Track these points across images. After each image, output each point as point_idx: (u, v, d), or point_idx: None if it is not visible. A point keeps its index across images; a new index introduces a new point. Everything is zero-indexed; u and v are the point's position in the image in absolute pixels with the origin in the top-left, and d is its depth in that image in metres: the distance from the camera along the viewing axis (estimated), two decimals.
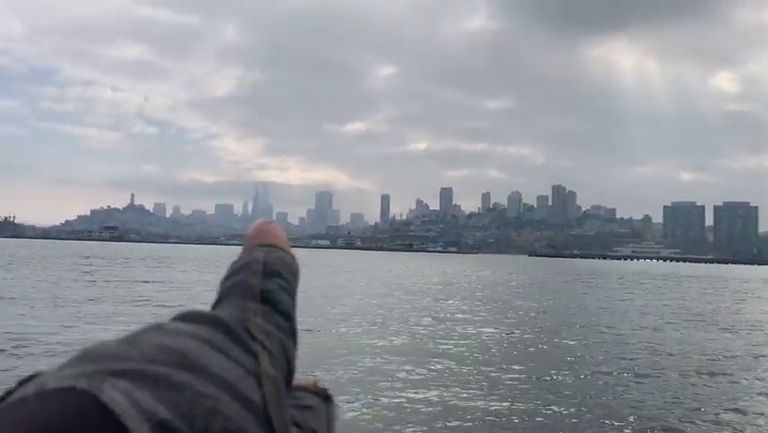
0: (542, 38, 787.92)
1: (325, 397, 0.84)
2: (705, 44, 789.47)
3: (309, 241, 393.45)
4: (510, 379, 11.57)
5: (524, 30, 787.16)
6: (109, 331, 14.39)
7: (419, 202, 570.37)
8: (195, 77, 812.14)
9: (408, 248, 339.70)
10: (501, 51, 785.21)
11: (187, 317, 0.61)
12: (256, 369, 0.56)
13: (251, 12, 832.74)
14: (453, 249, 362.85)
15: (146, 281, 32.87)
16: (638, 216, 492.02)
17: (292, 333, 0.67)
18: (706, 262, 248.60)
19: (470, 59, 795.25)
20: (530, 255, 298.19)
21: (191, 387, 0.50)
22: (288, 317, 0.68)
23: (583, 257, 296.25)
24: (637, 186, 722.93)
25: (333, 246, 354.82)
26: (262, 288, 0.74)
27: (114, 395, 0.46)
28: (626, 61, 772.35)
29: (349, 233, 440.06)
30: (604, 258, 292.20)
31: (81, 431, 0.44)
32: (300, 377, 0.74)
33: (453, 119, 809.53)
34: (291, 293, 0.76)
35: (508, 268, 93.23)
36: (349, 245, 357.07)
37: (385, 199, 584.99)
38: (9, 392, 0.49)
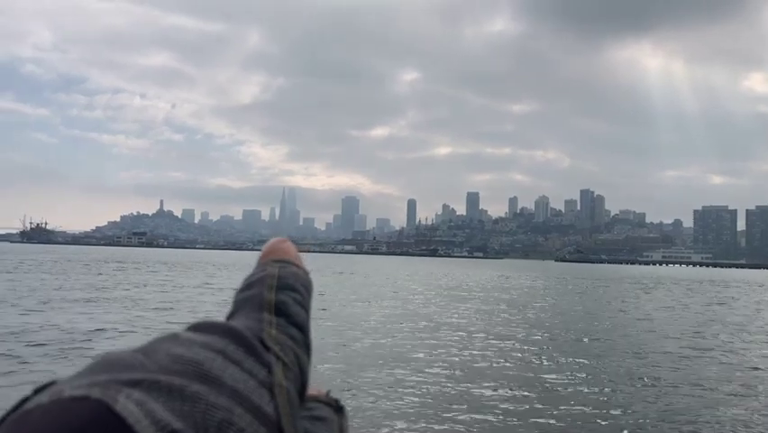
0: (566, 40, 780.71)
1: (338, 408, 0.85)
2: (736, 46, 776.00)
3: (335, 246, 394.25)
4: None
5: (547, 31, 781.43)
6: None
7: (446, 207, 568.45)
8: (220, 84, 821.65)
9: (433, 253, 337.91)
10: (525, 54, 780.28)
11: (202, 327, 0.62)
12: (269, 380, 0.57)
13: (274, 18, 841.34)
14: (480, 254, 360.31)
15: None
16: (668, 221, 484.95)
17: (306, 345, 0.68)
18: (738, 267, 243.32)
19: (494, 62, 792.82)
20: (557, 261, 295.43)
21: (204, 398, 0.50)
22: (303, 329, 0.69)
23: (611, 262, 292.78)
24: (667, 190, 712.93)
25: (359, 252, 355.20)
26: (277, 300, 0.76)
27: (128, 405, 0.46)
28: (653, 63, 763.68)
29: (374, 238, 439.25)
30: (632, 263, 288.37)
31: None
32: (312, 387, 0.72)
33: (478, 123, 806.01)
34: (305, 306, 0.78)
35: (535, 273, 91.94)
36: (374, 251, 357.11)
37: (411, 204, 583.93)
38: (25, 400, 0.50)
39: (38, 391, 0.50)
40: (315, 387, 0.80)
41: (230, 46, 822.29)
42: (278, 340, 0.62)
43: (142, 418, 0.46)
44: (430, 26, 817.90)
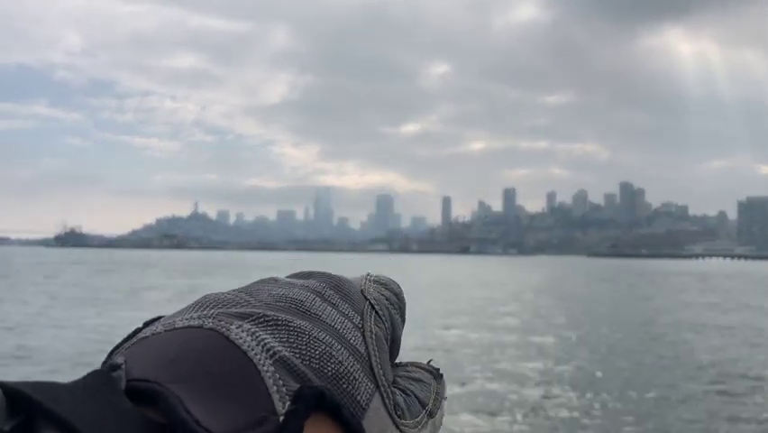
0: (599, 27, 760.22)
1: (437, 375, 0.76)
2: None
3: (367, 245, 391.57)
4: None
5: (580, 19, 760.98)
6: None
7: (481, 204, 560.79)
8: (249, 84, 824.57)
9: (465, 251, 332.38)
10: (557, 43, 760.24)
11: (300, 274, 0.65)
12: (362, 325, 0.59)
13: (300, 16, 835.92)
14: (513, 251, 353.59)
15: None
16: (712, 213, 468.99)
17: (401, 310, 0.68)
18: None
19: (526, 52, 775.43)
20: (590, 256, 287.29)
21: (308, 332, 0.53)
22: (399, 296, 0.69)
23: (651, 257, 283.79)
24: (711, 181, 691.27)
25: (390, 250, 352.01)
26: (376, 276, 0.74)
27: (240, 333, 0.49)
28: (691, 49, 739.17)
29: (405, 237, 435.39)
30: (672, 258, 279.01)
31: (213, 363, 0.47)
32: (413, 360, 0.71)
33: (511, 116, 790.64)
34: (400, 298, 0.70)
35: (549, 269, 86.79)
36: (404, 250, 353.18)
37: (446, 201, 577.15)
38: (137, 331, 0.53)
39: (147, 324, 0.54)
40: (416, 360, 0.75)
41: (257, 45, 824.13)
42: (374, 296, 0.64)
43: (254, 345, 0.49)
44: (458, 17, 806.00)
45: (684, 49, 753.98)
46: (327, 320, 0.57)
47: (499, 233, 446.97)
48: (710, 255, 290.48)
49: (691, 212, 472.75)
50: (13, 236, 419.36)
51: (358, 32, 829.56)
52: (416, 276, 59.57)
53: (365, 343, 0.59)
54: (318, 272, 0.66)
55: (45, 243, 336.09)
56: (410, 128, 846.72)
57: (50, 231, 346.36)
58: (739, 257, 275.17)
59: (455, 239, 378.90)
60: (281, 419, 0.46)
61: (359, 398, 0.54)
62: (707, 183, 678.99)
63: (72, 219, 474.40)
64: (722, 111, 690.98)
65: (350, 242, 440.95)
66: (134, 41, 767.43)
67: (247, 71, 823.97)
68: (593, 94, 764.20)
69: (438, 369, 0.85)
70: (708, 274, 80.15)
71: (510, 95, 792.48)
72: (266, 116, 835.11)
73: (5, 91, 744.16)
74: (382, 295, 0.68)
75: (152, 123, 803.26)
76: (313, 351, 0.52)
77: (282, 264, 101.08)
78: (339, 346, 0.55)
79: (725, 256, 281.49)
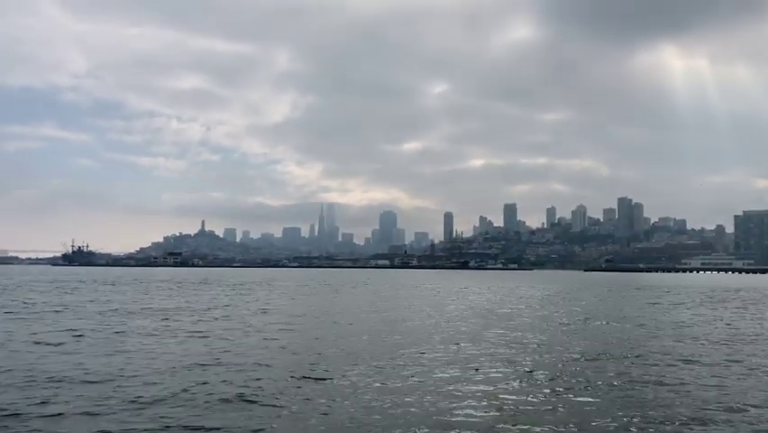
0: (595, 44, 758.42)
1: None
2: None
3: (368, 261, 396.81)
4: None
5: (576, 37, 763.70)
6: None
7: (483, 219, 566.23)
8: (253, 104, 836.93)
9: (464, 266, 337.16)
10: (555, 61, 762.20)
11: None
12: None
13: (302, 38, 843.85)
14: (514, 266, 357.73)
15: None
16: (710, 227, 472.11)
17: None
18: None
19: (523, 70, 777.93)
20: (586, 270, 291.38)
21: None
22: None
23: (648, 271, 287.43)
24: (709, 196, 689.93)
25: (392, 266, 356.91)
26: None
27: None
28: (689, 66, 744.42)
29: (405, 252, 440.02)
30: (669, 271, 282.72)
31: None
32: None
33: (511, 133, 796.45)
34: None
35: (538, 283, 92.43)
36: (405, 264, 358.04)
37: (447, 217, 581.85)
38: None
39: None
40: None
41: (260, 67, 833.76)
42: None
43: None
44: (456, 37, 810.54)
45: (679, 65, 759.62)
46: None
47: (500, 247, 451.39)
48: (709, 269, 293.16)
49: (690, 226, 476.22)
50: (22, 255, 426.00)
51: (359, 52, 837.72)
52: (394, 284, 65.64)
53: None
54: None
55: (53, 261, 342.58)
56: (412, 146, 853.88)
57: (59, 250, 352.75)
58: (738, 270, 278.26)
59: (456, 254, 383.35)
60: None
61: None
62: (705, 198, 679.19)
63: (81, 238, 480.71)
64: (718, 126, 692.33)
65: (351, 257, 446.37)
66: (139, 62, 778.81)
67: (251, 92, 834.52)
68: (591, 110, 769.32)
69: None
70: (680, 286, 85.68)
71: (509, 112, 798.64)
72: (270, 136, 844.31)
73: (14, 113, 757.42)
74: None
75: (159, 143, 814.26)
76: None
77: (251, 278, 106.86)
78: None
79: (723, 270, 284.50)
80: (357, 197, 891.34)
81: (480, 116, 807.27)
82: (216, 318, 29.14)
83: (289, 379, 13.95)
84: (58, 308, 34.06)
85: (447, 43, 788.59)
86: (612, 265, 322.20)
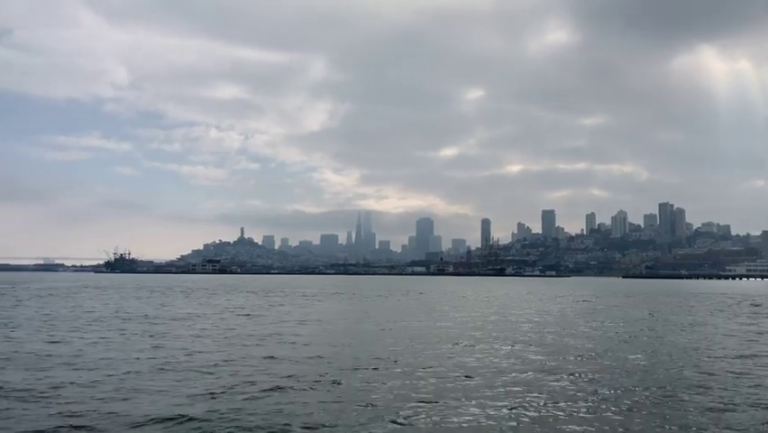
0: (633, 47, 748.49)
1: None
2: None
3: (404, 268, 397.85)
4: None
5: (612, 39, 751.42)
6: None
7: (521, 226, 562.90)
8: (290, 113, 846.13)
9: (501, 273, 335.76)
10: (591, 64, 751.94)
11: None
12: None
13: (338, 46, 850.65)
14: (552, 273, 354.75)
15: None
16: (756, 233, 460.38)
17: None
18: None
19: (560, 74, 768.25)
20: (625, 277, 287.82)
21: None
22: None
23: (691, 277, 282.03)
24: (755, 200, 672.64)
25: (428, 272, 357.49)
26: None
27: None
28: (730, 67, 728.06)
29: (441, 259, 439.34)
30: (710, 278, 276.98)
31: None
32: None
33: (548, 139, 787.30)
34: None
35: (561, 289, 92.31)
36: (440, 271, 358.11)
37: (485, 224, 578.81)
38: None
39: None
40: None
41: (297, 75, 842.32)
42: None
43: None
44: (491, 43, 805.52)
45: (719, 67, 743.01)
46: None
47: (538, 254, 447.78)
48: (753, 276, 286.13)
49: (734, 231, 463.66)
50: (67, 263, 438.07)
51: (394, 60, 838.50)
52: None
53: None
54: None
55: (96, 268, 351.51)
56: (448, 152, 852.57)
57: (102, 257, 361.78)
58: None
59: (492, 261, 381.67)
60: None
61: None
62: (751, 202, 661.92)
63: (123, 246, 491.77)
64: (761, 129, 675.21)
65: (388, 264, 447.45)
66: (178, 73, 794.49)
67: (288, 100, 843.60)
68: (631, 114, 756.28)
69: None
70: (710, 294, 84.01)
71: (546, 117, 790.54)
72: (307, 144, 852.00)
73: (59, 124, 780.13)
74: None
75: (198, 152, 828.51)
76: None
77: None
78: None
79: None
80: (393, 203, 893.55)
81: (516, 122, 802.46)
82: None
83: None
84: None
85: (482, 48, 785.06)
86: (652, 272, 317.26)
